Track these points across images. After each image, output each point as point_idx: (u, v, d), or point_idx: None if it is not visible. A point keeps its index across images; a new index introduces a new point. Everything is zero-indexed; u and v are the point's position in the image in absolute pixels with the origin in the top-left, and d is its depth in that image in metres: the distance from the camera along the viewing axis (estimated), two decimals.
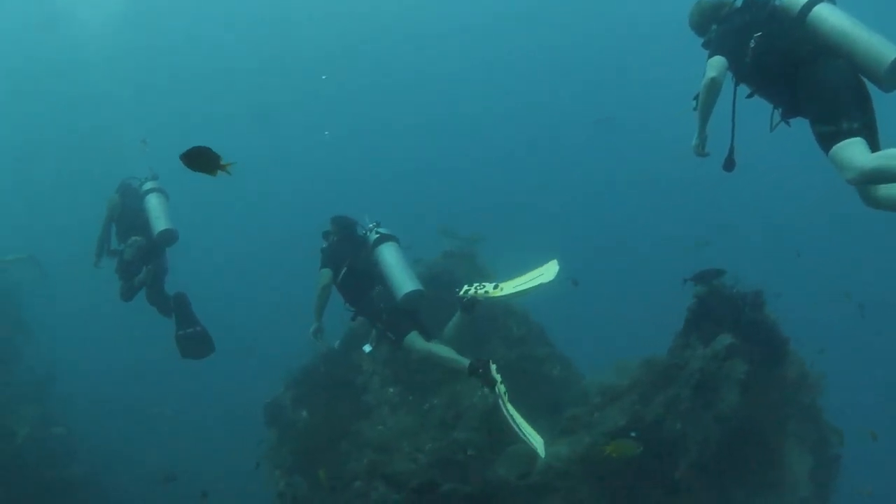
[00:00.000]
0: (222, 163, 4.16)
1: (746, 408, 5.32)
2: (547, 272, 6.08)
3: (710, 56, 4.72)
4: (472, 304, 6.35)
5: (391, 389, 5.90)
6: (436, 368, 6.28)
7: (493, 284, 6.20)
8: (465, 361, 5.79)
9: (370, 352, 6.51)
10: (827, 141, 4.16)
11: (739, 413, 5.27)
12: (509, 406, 5.38)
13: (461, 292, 6.44)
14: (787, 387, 5.71)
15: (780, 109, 4.71)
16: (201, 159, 4.17)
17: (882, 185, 3.98)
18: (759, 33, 4.51)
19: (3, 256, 13.01)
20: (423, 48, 17.99)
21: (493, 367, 5.61)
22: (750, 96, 4.87)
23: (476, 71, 22.28)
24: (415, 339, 6.21)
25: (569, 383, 6.33)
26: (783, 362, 5.71)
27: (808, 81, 4.34)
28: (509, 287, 6.21)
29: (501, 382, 5.51)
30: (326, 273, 7.10)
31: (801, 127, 4.71)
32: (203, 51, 16.30)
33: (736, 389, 5.37)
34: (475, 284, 6.36)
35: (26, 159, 28.19)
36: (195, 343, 7.53)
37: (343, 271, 7.07)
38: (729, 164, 4.91)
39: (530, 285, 6.06)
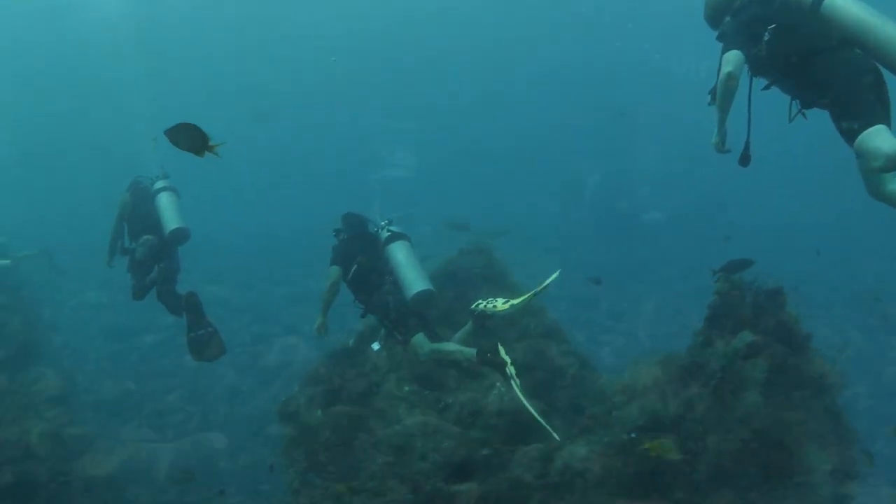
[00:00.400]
0: (210, 143, 3.96)
1: (767, 407, 5.24)
2: (550, 280, 6.08)
3: (725, 50, 4.66)
4: (483, 318, 6.35)
5: (407, 388, 5.84)
6: (446, 367, 6.28)
7: (504, 300, 6.21)
8: (473, 350, 5.80)
9: (378, 349, 6.52)
10: (850, 134, 4.16)
11: (760, 412, 5.19)
12: (520, 390, 5.37)
13: (472, 306, 6.48)
14: (808, 386, 5.59)
15: (798, 101, 4.69)
16: (188, 137, 3.96)
17: (893, 181, 4.00)
18: (772, 25, 4.46)
19: (16, 252, 13.13)
20: (431, 44, 17.78)
21: (502, 349, 5.62)
22: (766, 88, 4.82)
23: (484, 62, 22.02)
24: (421, 341, 6.21)
25: (587, 381, 6.23)
26: (804, 360, 5.60)
27: (825, 74, 4.33)
28: (517, 301, 6.18)
29: (512, 364, 5.50)
30: (335, 270, 7.14)
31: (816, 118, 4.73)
32: (210, 43, 16.17)
33: (757, 388, 5.31)
34: (488, 299, 6.40)
35: (35, 154, 28.35)
36: (207, 345, 7.49)
37: (353, 269, 7.10)
38: (745, 159, 4.85)
39: (536, 292, 6.06)
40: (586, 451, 4.98)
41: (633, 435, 4.94)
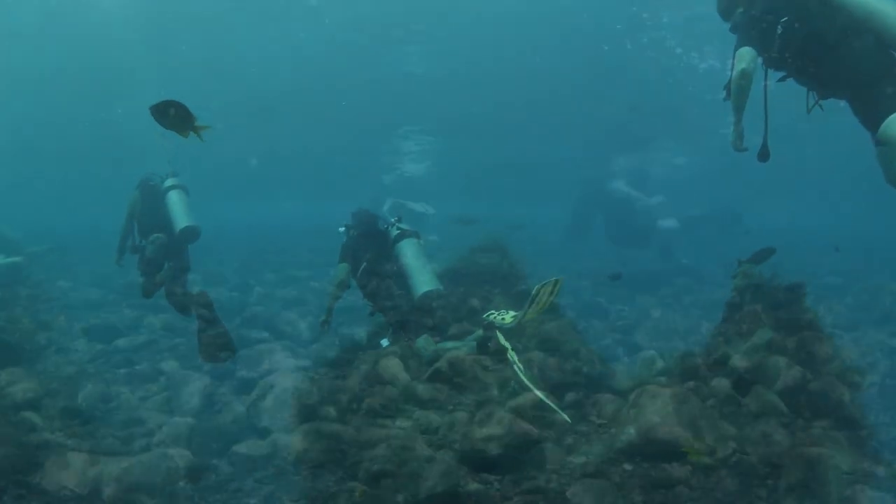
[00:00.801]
0: (196, 124, 3.84)
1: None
2: (550, 290, 5.99)
3: (738, 46, 4.66)
4: (494, 329, 6.29)
5: (420, 386, 5.63)
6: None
7: (514, 313, 6.13)
8: (473, 343, 5.81)
9: (387, 346, 6.45)
10: (871, 124, 4.19)
11: (779, 411, 5.01)
12: (524, 374, 5.29)
13: (485, 315, 6.49)
14: (826, 385, 5.38)
15: (814, 93, 4.70)
16: (173, 115, 3.82)
17: None
18: (784, 18, 4.46)
19: (30, 248, 13.23)
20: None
21: (501, 336, 5.64)
22: (782, 80, 4.82)
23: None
24: (425, 343, 6.15)
25: (601, 379, 6.04)
26: (823, 359, 5.40)
27: (840, 65, 4.33)
28: (524, 316, 6.08)
29: (512, 349, 5.46)
30: (344, 268, 7.17)
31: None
32: (220, 34, 15.93)
33: (776, 386, 5.14)
34: (501, 311, 6.37)
35: (37, 151, 28.47)
36: (218, 346, 7.44)
37: (362, 267, 7.11)
38: (763, 155, 4.82)
39: (542, 305, 5.95)
40: (602, 450, 4.83)
41: (631, 431, 4.76)
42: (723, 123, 19.88)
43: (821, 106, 4.69)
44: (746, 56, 4.55)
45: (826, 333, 5.47)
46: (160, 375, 7.37)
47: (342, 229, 7.47)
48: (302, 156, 28.42)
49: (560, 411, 4.99)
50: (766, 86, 4.76)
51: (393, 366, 5.90)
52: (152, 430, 5.76)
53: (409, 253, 7.08)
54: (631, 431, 4.79)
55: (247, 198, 43.76)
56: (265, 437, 5.53)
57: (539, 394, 5.06)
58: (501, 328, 5.97)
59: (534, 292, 5.64)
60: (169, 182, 8.18)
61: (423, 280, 6.88)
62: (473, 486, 4.45)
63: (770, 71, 4.82)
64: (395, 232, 7.35)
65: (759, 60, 4.66)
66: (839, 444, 4.78)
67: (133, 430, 5.76)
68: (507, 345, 5.55)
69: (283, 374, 6.30)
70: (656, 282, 14.77)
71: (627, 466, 4.65)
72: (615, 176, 22.68)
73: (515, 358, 5.42)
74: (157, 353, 8.23)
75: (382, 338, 6.69)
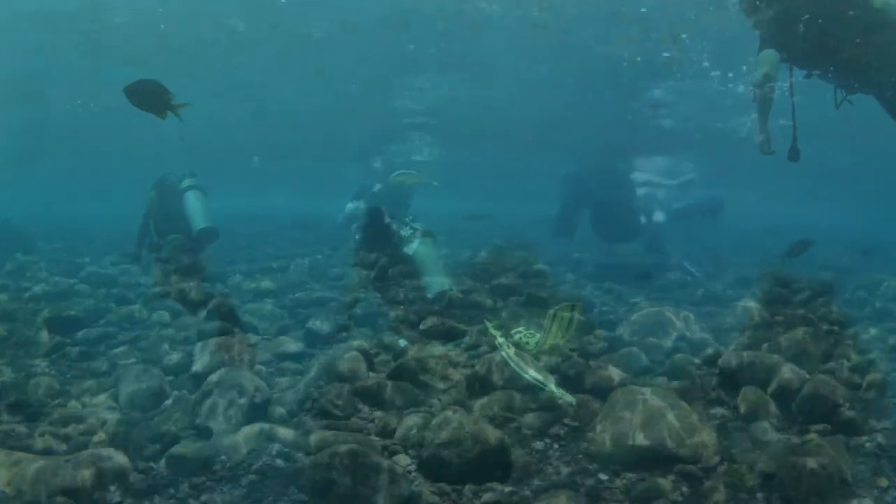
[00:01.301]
0: (173, 103, 3.70)
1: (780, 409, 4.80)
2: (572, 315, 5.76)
3: (761, 46, 4.60)
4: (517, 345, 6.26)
5: (379, 384, 5.38)
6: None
7: (537, 340, 5.81)
8: (465, 337, 6.01)
9: (404, 346, 6.37)
10: None
11: (772, 415, 4.75)
12: (515, 358, 5.16)
13: (513, 331, 6.32)
14: (823, 386, 5.05)
15: (841, 89, 4.67)
16: (148, 96, 3.64)
17: None
18: (806, 16, 4.32)
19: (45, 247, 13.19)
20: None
21: (489, 325, 5.74)
22: (807, 77, 4.80)
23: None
24: (432, 348, 6.13)
25: (580, 377, 5.67)
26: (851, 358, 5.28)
27: (864, 60, 4.26)
28: (542, 347, 5.84)
29: (501, 336, 5.45)
30: (358, 272, 7.24)
31: None
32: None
33: (770, 388, 4.88)
34: (528, 331, 6.09)
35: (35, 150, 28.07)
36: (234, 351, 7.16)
37: (377, 267, 7.14)
38: (794, 154, 4.72)
39: (567, 332, 5.61)
40: (575, 457, 4.51)
41: (607, 437, 4.48)
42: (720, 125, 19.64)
43: (850, 101, 4.61)
44: (769, 60, 4.53)
45: (848, 334, 5.33)
46: (114, 369, 6.90)
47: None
48: (298, 154, 28.12)
49: (563, 393, 4.76)
50: (791, 83, 4.71)
51: (353, 361, 5.47)
52: (94, 427, 5.30)
53: (423, 253, 7.18)
54: (607, 437, 4.38)
55: (243, 194, 43.41)
56: (207, 438, 5.03)
57: (532, 379, 4.86)
58: (522, 349, 5.71)
59: (547, 318, 5.42)
60: (186, 182, 8.19)
61: (437, 279, 6.94)
62: (428, 497, 3.99)
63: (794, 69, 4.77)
64: (408, 232, 7.45)
65: (783, 61, 4.62)
66: (838, 451, 4.39)
67: (74, 428, 5.32)
68: (496, 333, 5.47)
69: (232, 369, 5.80)
70: (646, 276, 14.36)
71: (603, 476, 4.22)
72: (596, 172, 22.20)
73: (503, 342, 5.32)
74: (115, 346, 7.80)
75: (400, 338, 6.63)
